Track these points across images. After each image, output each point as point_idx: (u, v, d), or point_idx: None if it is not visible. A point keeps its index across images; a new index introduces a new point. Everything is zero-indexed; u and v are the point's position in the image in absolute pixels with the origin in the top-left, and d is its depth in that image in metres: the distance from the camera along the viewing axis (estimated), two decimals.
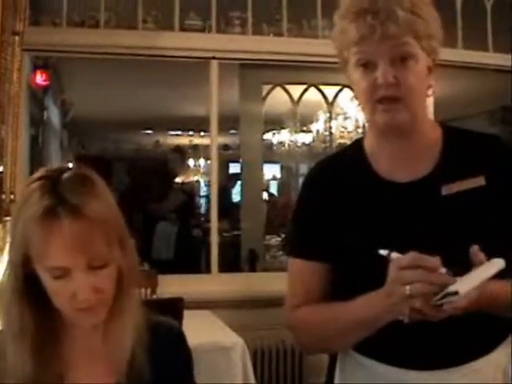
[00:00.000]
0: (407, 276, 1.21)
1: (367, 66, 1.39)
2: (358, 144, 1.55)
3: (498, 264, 1.27)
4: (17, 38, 3.18)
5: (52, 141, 7.40)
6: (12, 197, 3.26)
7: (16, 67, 3.24)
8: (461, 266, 1.25)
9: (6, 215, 3.17)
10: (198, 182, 12.95)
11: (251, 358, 3.02)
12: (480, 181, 1.41)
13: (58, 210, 1.03)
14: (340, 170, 1.52)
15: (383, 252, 1.27)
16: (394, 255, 1.26)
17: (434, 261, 1.21)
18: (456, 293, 1.18)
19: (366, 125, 1.53)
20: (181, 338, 1.32)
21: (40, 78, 5.54)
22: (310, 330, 1.48)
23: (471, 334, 1.36)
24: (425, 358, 1.37)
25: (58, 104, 7.60)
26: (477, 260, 1.26)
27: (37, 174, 1.10)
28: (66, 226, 1.02)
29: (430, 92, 1.46)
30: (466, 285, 1.21)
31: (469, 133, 1.53)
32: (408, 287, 1.20)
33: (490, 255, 1.28)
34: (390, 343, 1.35)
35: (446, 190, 1.41)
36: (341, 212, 1.47)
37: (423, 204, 1.42)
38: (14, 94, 3.26)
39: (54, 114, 7.40)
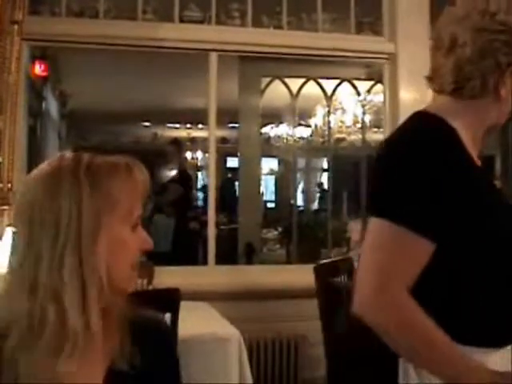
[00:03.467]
0: None
1: None
2: (446, 123, 1.41)
3: None
4: (16, 26, 3.18)
5: (50, 132, 7.40)
6: (9, 185, 3.26)
7: (15, 56, 3.23)
8: None
9: (4, 204, 3.17)
10: (195, 175, 12.97)
11: (247, 349, 3.02)
12: None
13: (131, 165, 1.16)
14: (456, 145, 1.39)
15: None
16: None
17: None
18: None
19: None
20: (166, 333, 1.31)
21: (38, 69, 5.54)
22: (413, 334, 1.33)
23: None
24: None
25: (56, 95, 7.59)
26: None
27: (55, 160, 1.14)
28: (139, 177, 1.15)
29: None
30: None
31: None
32: None
33: None
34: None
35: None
36: (468, 190, 1.36)
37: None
38: (12, 84, 3.26)
39: (52, 105, 7.39)
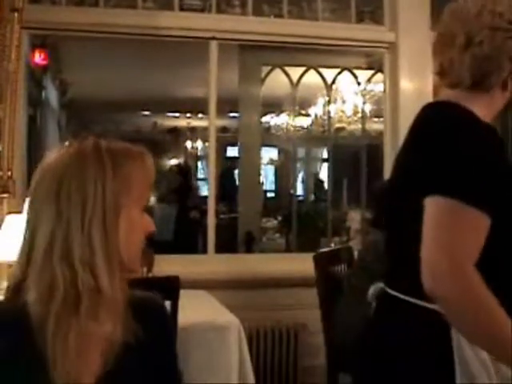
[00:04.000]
0: None
1: None
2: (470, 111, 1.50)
3: None
4: (16, 14, 3.16)
5: (50, 121, 7.39)
6: (9, 174, 3.26)
7: (15, 45, 3.22)
8: None
9: (4, 192, 3.18)
10: (195, 164, 12.96)
11: (246, 338, 3.04)
12: None
13: (144, 153, 1.25)
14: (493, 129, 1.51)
15: None
16: None
17: None
18: None
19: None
20: (163, 311, 1.37)
21: (38, 57, 5.52)
22: (481, 310, 1.34)
23: None
24: None
25: (56, 84, 7.58)
26: None
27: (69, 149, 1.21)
28: (150, 165, 1.25)
29: None
30: None
31: None
32: None
33: None
34: None
35: None
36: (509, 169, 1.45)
37: None
38: (12, 72, 3.25)
39: (52, 94, 7.38)
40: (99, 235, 1.15)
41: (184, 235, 6.83)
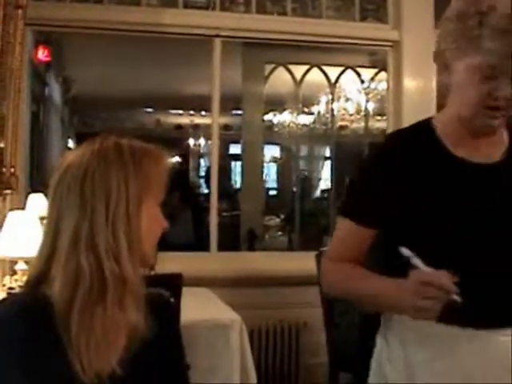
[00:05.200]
0: (425, 292, 1.32)
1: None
2: (426, 124, 1.59)
3: None
4: (20, 11, 3.15)
5: (53, 117, 7.40)
6: (12, 170, 3.26)
7: (18, 41, 3.22)
8: None
9: (7, 188, 3.18)
10: (198, 161, 12.96)
11: (248, 336, 3.04)
12: None
13: (162, 153, 1.29)
14: (408, 145, 1.57)
15: (405, 252, 1.38)
16: (416, 261, 1.37)
17: (450, 283, 1.32)
18: None
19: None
20: (170, 306, 1.41)
21: (42, 54, 5.53)
22: (335, 284, 1.63)
23: None
24: (484, 316, 1.45)
25: (59, 81, 7.58)
26: None
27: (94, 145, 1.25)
28: (167, 165, 1.29)
29: None
30: None
31: None
32: (422, 301, 1.33)
33: None
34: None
35: None
36: (407, 186, 1.52)
37: (495, 186, 1.51)
38: (15, 69, 3.24)
39: (55, 91, 7.38)
40: (123, 226, 1.19)
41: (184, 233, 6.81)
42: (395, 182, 1.53)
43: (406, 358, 1.51)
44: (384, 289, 1.47)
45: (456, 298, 1.31)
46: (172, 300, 1.46)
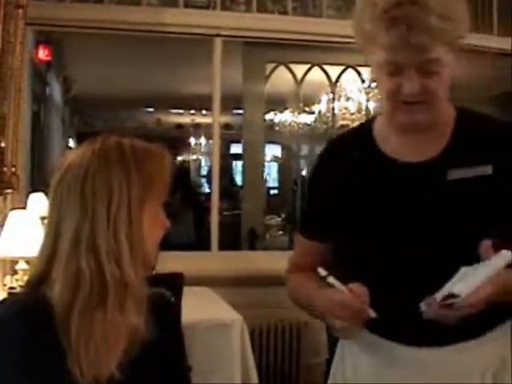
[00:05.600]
0: (336, 311, 1.33)
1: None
2: (366, 126, 1.55)
3: (506, 257, 1.26)
4: (20, 11, 3.15)
5: (54, 117, 7.40)
6: (13, 170, 3.26)
7: (19, 41, 3.22)
8: (455, 251, 1.29)
9: (8, 188, 3.17)
10: (198, 160, 12.97)
11: (249, 335, 3.04)
12: (487, 170, 1.39)
13: (164, 153, 1.27)
14: (346, 150, 1.53)
15: (322, 272, 1.37)
16: (331, 279, 1.36)
17: (359, 304, 1.31)
18: (457, 295, 1.20)
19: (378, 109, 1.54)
20: (171, 306, 1.39)
21: (42, 54, 5.53)
22: (291, 294, 1.63)
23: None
24: (423, 334, 1.38)
25: (60, 80, 7.58)
26: (487, 257, 1.27)
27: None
28: (169, 165, 1.27)
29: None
30: (469, 285, 1.21)
31: (482, 117, 1.52)
32: (337, 322, 1.34)
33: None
34: (394, 320, 1.37)
35: (451, 175, 1.40)
36: (344, 193, 1.48)
37: (427, 186, 1.42)
38: (16, 69, 3.24)
39: (55, 91, 7.38)
40: (125, 228, 1.17)
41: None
42: (332, 189, 1.50)
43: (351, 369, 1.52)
44: (316, 300, 1.44)
45: (371, 314, 1.29)
46: (173, 299, 1.45)
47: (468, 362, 1.39)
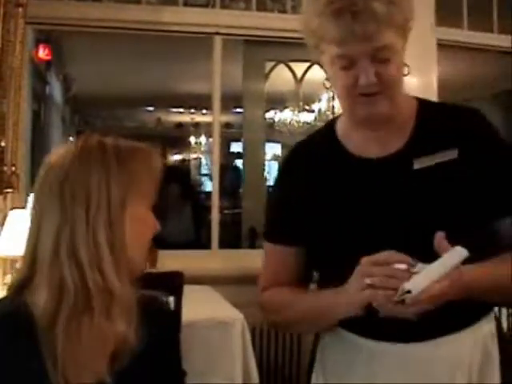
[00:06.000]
0: (369, 270, 1.25)
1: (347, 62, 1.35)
2: (329, 126, 1.53)
3: (461, 253, 1.24)
4: (20, 9, 3.15)
5: (54, 116, 7.40)
6: (13, 169, 3.25)
7: (19, 40, 3.21)
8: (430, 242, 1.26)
9: (8, 187, 3.17)
10: (198, 159, 12.96)
11: (250, 334, 3.04)
12: (453, 154, 1.38)
13: (151, 151, 1.23)
14: (311, 152, 1.51)
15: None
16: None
17: (401, 257, 1.24)
18: (409, 291, 1.19)
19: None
20: (165, 310, 1.36)
21: (42, 53, 5.52)
22: (274, 312, 1.53)
23: (450, 306, 1.29)
24: (402, 330, 1.35)
25: (60, 79, 7.58)
26: (441, 249, 1.24)
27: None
28: (157, 164, 1.23)
29: (406, 71, 1.47)
30: (421, 281, 1.20)
31: (444, 106, 1.52)
32: (368, 279, 1.24)
33: (459, 233, 1.27)
34: (371, 317, 1.33)
35: (417, 164, 1.39)
36: (311, 194, 1.46)
37: (394, 179, 1.41)
38: (16, 68, 3.24)
39: (56, 89, 7.38)
40: (104, 232, 1.12)
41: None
42: (300, 191, 1.47)
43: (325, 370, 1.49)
44: (321, 298, 1.41)
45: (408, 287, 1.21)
46: (169, 299, 1.41)
47: (450, 356, 1.37)
